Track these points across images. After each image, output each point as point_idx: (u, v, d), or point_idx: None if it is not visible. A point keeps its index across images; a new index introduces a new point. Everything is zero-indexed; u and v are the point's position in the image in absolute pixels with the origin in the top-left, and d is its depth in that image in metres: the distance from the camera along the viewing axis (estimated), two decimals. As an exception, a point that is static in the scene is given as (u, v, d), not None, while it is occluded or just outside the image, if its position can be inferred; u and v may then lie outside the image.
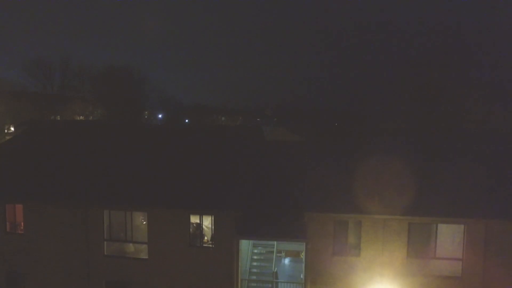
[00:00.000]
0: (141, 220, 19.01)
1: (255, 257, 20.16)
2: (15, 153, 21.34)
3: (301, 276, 18.58)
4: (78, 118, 58.63)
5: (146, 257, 17.41)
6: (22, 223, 18.48)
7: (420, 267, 16.04)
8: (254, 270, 19.69)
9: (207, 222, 17.37)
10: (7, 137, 41.81)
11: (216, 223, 16.72)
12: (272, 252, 19.85)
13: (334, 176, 17.24)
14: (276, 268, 18.91)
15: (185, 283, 17.06)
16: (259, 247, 20.55)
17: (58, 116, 56.24)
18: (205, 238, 17.62)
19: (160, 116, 78.73)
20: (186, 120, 76.58)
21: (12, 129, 51.11)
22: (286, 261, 21.92)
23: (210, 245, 17.07)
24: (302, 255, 19.72)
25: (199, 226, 17.20)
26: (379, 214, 15.60)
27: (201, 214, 16.98)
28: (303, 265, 16.94)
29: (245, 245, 18.47)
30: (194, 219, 17.21)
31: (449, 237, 16.13)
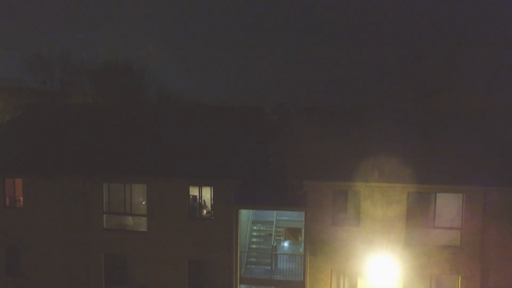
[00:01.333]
0: (140, 200, 18.93)
1: (254, 233, 20.16)
2: (15, 131, 21.41)
3: (300, 250, 18.64)
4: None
5: (145, 230, 17.43)
6: (22, 198, 18.52)
7: (419, 236, 16.00)
8: (254, 246, 19.67)
9: (206, 194, 17.34)
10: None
11: (215, 194, 16.74)
12: (271, 232, 19.81)
13: (333, 146, 17.26)
14: (275, 243, 18.92)
15: (183, 255, 17.05)
16: (258, 224, 20.54)
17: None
18: (204, 211, 17.61)
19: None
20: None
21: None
22: (286, 243, 21.85)
23: (210, 217, 17.08)
24: (301, 238, 19.65)
25: (198, 198, 17.21)
26: (378, 182, 15.61)
27: (200, 185, 16.99)
28: (302, 246, 16.85)
29: (244, 222, 18.45)
30: (193, 191, 17.22)
31: (448, 207, 16.08)
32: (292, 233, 21.98)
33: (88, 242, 17.78)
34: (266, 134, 21.08)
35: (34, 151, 18.98)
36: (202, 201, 17.32)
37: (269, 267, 17.92)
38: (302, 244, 17.75)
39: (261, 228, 20.38)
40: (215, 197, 16.72)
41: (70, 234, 17.89)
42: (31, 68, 60.38)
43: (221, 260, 16.84)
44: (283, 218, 20.58)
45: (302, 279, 16.86)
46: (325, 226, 16.15)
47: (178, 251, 17.07)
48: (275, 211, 20.60)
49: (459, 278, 15.90)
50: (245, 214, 18.70)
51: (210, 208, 17.23)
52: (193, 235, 16.93)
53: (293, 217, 20.73)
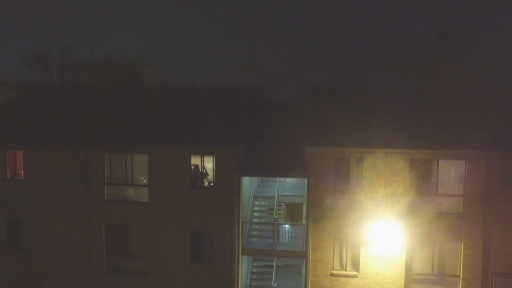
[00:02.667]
0: (141, 178, 18.77)
1: (256, 208, 20.10)
2: (15, 107, 21.34)
3: (303, 222, 18.57)
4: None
5: (146, 200, 17.35)
6: (22, 171, 18.43)
7: (422, 204, 15.96)
8: (255, 220, 19.61)
9: (208, 164, 17.26)
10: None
11: (217, 163, 16.66)
12: (273, 207, 19.76)
13: (335, 113, 17.25)
14: (277, 216, 18.86)
15: (185, 225, 16.98)
16: (260, 199, 20.49)
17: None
18: (206, 182, 17.54)
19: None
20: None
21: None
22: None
23: (212, 186, 17.00)
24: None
25: (200, 168, 17.13)
26: (381, 147, 15.58)
27: (202, 154, 16.93)
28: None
29: (245, 197, 18.39)
30: (195, 161, 17.16)
31: (451, 174, 16.08)
32: (293, 210, 21.83)
33: (89, 214, 17.70)
34: (268, 108, 21.09)
35: (35, 123, 18.93)
36: (204, 171, 17.26)
37: (271, 240, 17.83)
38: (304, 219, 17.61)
39: (263, 203, 20.31)
40: (217, 166, 16.65)
41: (71, 206, 17.81)
42: (30, 63, 60.49)
43: (223, 230, 16.77)
44: (285, 193, 20.52)
45: (304, 249, 16.80)
46: (328, 194, 16.08)
47: (180, 221, 16.99)
48: (277, 187, 20.60)
49: (462, 245, 15.88)
50: (246, 188, 18.64)
51: (212, 178, 17.14)
52: (195, 205, 16.87)
53: (294, 193, 20.68)
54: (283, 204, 20.63)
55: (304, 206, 18.87)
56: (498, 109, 17.27)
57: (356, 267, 16.43)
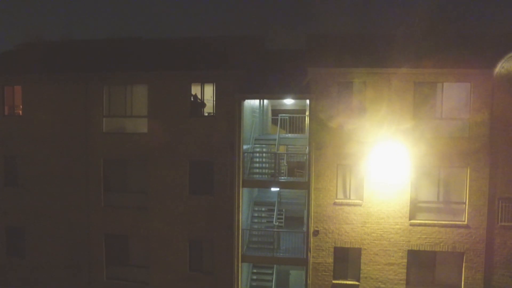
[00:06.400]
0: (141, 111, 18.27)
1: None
2: (14, 52, 21.17)
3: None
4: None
5: (145, 131, 17.05)
6: (21, 106, 18.19)
7: (427, 128, 15.60)
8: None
9: (209, 93, 16.95)
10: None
11: (217, 90, 16.37)
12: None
13: (339, 41, 17.02)
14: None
15: (184, 154, 16.67)
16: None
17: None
18: (205, 112, 17.18)
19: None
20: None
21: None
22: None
23: (212, 115, 16.70)
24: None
25: (201, 96, 16.82)
26: (384, 67, 15.30)
27: (202, 82, 16.65)
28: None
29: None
30: (195, 90, 16.87)
31: (456, 97, 15.66)
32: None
33: (87, 146, 17.41)
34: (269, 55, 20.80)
35: (32, 57, 18.72)
36: (204, 100, 16.95)
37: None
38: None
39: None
40: (218, 94, 16.37)
41: (69, 140, 17.55)
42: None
43: (224, 162, 16.44)
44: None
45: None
46: (330, 117, 15.72)
47: (179, 151, 16.68)
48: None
49: (468, 170, 15.50)
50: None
51: (212, 108, 16.78)
52: (195, 135, 16.56)
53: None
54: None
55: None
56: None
57: (360, 195, 16.03)
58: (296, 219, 20.97)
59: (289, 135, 20.37)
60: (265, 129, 23.46)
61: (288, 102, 24.80)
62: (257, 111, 21.01)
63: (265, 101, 23.61)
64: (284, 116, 21.19)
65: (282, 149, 18.96)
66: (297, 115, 21.70)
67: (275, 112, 25.38)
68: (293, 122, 21.78)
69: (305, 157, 16.97)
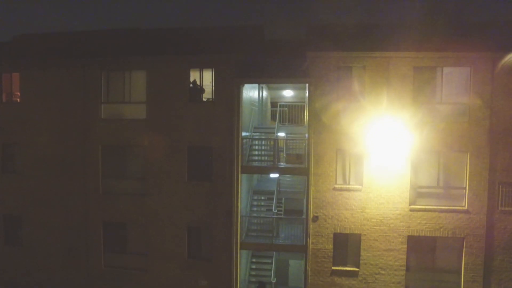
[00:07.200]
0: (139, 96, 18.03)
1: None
2: (10, 42, 21.12)
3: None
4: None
5: (144, 117, 16.96)
6: (19, 93, 18.10)
7: (427, 113, 15.51)
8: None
9: (207, 79, 16.88)
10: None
11: (216, 75, 16.28)
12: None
13: (339, 27, 16.97)
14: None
15: (183, 140, 16.57)
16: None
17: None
18: (204, 98, 17.11)
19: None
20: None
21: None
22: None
23: (211, 100, 16.62)
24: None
25: (199, 82, 16.74)
26: (383, 50, 15.24)
27: (201, 67, 16.57)
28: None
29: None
30: (194, 76, 16.80)
31: (456, 82, 15.61)
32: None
33: (85, 133, 17.31)
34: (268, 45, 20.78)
35: (31, 45, 18.66)
36: (203, 86, 16.87)
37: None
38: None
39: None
40: (217, 79, 16.29)
41: (67, 127, 17.45)
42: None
43: (223, 148, 16.36)
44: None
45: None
46: (330, 102, 15.66)
47: (178, 137, 16.59)
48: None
49: (468, 155, 15.43)
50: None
51: (211, 93, 16.71)
52: (194, 121, 16.46)
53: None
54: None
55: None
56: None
57: (359, 180, 15.95)
58: (296, 212, 20.91)
59: (288, 125, 20.27)
60: (264, 122, 23.37)
61: (288, 94, 24.85)
62: (256, 104, 20.95)
63: (264, 93, 23.56)
64: (283, 103, 21.06)
65: (281, 141, 18.91)
66: (297, 103, 21.63)
67: (274, 105, 25.30)
68: (292, 113, 21.70)
69: (304, 144, 16.85)
